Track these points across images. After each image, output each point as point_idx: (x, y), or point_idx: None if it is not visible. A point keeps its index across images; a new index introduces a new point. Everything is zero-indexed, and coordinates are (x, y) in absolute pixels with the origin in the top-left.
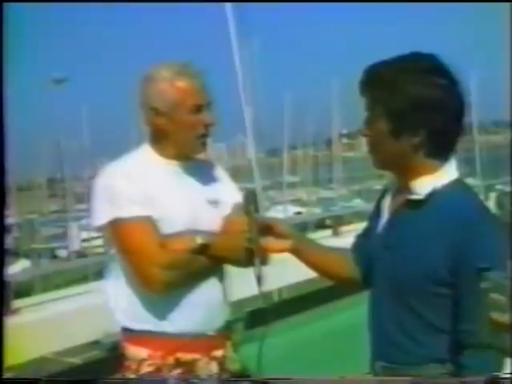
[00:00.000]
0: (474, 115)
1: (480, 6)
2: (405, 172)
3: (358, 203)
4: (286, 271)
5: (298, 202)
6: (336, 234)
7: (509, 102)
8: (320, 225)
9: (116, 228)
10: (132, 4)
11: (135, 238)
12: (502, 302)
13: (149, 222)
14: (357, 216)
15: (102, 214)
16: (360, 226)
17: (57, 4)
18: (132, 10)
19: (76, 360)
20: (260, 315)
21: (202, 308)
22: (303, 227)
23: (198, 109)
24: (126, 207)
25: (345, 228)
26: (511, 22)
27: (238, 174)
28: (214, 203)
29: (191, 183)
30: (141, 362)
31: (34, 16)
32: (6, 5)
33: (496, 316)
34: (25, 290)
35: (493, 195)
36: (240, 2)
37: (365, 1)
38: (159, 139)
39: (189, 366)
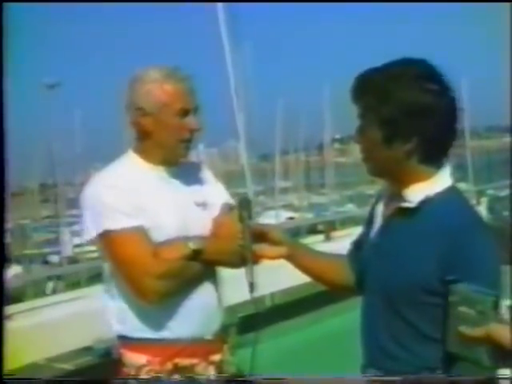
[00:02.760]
0: (466, 120)
1: (478, 7)
2: (398, 179)
3: (350, 208)
4: (279, 276)
5: (290, 207)
6: (328, 239)
7: (500, 107)
8: (312, 230)
9: (107, 240)
10: (125, 7)
11: (127, 250)
12: (471, 316)
13: (140, 232)
14: (349, 221)
15: (92, 227)
16: (352, 231)
17: (49, 8)
18: (125, 14)
19: (68, 366)
20: (252, 320)
21: (198, 313)
22: (295, 232)
23: (185, 113)
24: (116, 219)
25: (337, 233)
26: (511, 24)
27: (230, 179)
28: (203, 206)
29: (178, 187)
30: (139, 368)
31: (25, 20)
32: (5, 5)
33: (465, 330)
34: (16, 296)
35: (484, 200)
36: (232, 8)
37: (361, 1)
38: (144, 142)
39: (187, 371)
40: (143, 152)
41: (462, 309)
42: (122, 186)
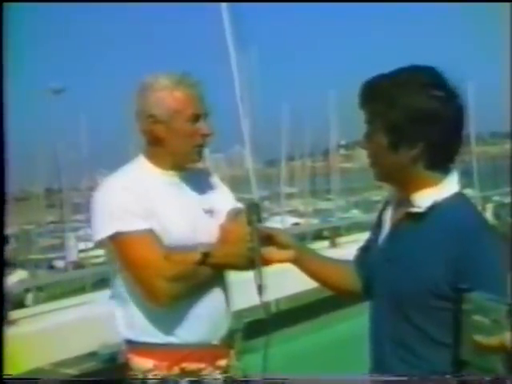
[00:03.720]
0: (472, 126)
1: (479, 11)
2: (405, 184)
3: (356, 214)
4: (284, 282)
5: (295, 212)
6: (333, 245)
7: (506, 113)
8: (317, 236)
9: (118, 242)
10: (131, 12)
11: (139, 252)
12: (486, 324)
13: (151, 234)
14: (354, 227)
15: (103, 228)
16: (357, 237)
17: (55, 12)
18: (130, 19)
19: (73, 371)
20: (259, 326)
21: (205, 318)
22: (301, 238)
23: (196, 118)
24: (128, 221)
25: (342, 239)
26: (511, 26)
27: (235, 184)
28: (210, 212)
29: (187, 193)
30: (146, 372)
31: (30, 25)
32: (5, 6)
33: (479, 338)
34: (21, 301)
35: (490, 206)
36: (237, 13)
37: (364, 1)
38: (155, 149)
39: (194, 376)
40: (154, 157)
41: (476, 317)
42: (133, 188)
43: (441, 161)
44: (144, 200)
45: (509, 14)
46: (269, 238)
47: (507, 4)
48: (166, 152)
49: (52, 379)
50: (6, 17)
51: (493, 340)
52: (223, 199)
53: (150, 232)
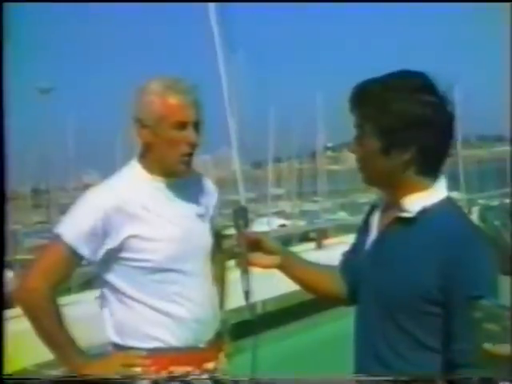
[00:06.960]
0: (459, 129)
1: (474, 19)
2: (395, 189)
3: (342, 216)
4: (271, 283)
5: (282, 214)
6: (319, 246)
7: (492, 116)
8: (304, 237)
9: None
10: (119, 14)
11: (45, 254)
12: (496, 332)
13: (66, 253)
14: (340, 229)
15: (60, 223)
16: (343, 239)
17: (44, 11)
18: (120, 21)
19: (57, 372)
20: (246, 327)
21: (192, 322)
22: (287, 240)
23: (183, 126)
24: (68, 230)
25: (328, 241)
26: (511, 31)
27: (223, 186)
28: (202, 217)
29: (180, 199)
30: (134, 377)
31: (21, 24)
32: (5, 6)
33: (489, 347)
34: (8, 302)
35: (476, 209)
36: (226, 16)
37: (359, 1)
38: (145, 153)
39: (182, 380)
40: (145, 162)
41: (487, 325)
42: (111, 209)
43: (431, 166)
44: (121, 218)
45: (493, 19)
46: (255, 244)
47: (503, 7)
48: (154, 158)
49: (49, 379)
50: (5, 17)
51: (503, 348)
52: (216, 203)
53: (69, 250)
